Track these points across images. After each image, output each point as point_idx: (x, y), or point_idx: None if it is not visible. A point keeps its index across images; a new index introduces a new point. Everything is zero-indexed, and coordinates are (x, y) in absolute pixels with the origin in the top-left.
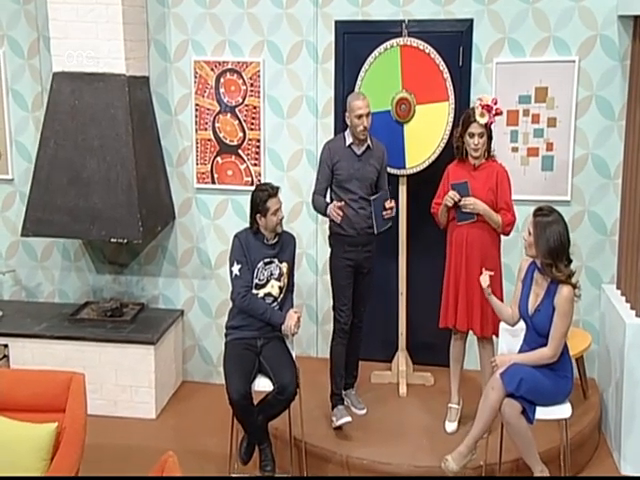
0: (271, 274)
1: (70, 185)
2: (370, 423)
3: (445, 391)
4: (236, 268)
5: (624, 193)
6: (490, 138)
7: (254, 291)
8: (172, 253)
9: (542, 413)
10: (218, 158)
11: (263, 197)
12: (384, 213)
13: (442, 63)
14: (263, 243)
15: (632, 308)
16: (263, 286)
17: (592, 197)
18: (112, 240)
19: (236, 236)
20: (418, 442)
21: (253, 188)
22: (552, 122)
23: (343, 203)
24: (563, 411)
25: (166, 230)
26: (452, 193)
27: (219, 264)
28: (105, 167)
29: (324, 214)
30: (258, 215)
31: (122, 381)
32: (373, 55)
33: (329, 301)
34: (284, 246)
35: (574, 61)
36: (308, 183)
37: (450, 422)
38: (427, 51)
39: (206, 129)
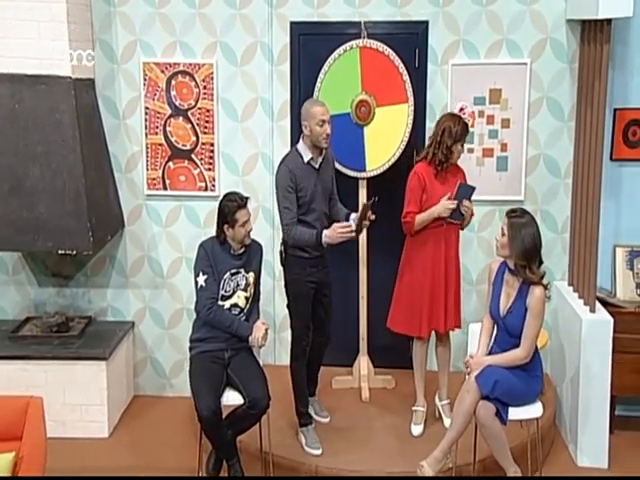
0: (237, 285)
1: (11, 194)
2: (336, 430)
3: (407, 393)
4: (202, 279)
5: (574, 192)
6: None
7: (220, 302)
8: (121, 263)
9: (514, 413)
10: (170, 163)
11: (232, 208)
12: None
13: (401, 65)
14: (230, 253)
15: (586, 304)
16: (229, 297)
17: (544, 196)
18: (60, 252)
19: (201, 245)
20: (386, 447)
21: (205, 194)
22: (506, 123)
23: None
24: (535, 410)
25: (115, 239)
26: (450, 202)
27: (172, 273)
28: (50, 175)
29: (317, 243)
30: (226, 226)
31: (71, 400)
32: (332, 57)
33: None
34: (251, 255)
35: (526, 63)
36: (264, 187)
37: (416, 425)
38: (386, 53)
39: (157, 133)
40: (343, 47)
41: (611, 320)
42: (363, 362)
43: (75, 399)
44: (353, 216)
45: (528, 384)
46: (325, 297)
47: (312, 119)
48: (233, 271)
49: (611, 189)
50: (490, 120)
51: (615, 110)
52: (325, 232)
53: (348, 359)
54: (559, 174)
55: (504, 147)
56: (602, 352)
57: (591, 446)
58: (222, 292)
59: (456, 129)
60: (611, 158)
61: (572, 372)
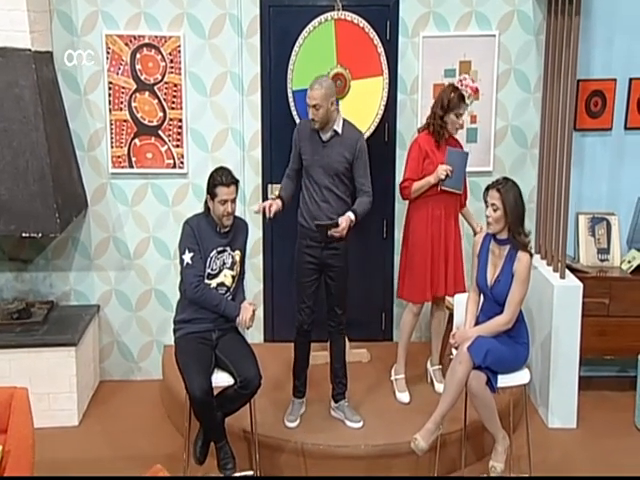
0: (224, 263)
1: None
2: (319, 407)
3: (382, 366)
4: (188, 256)
5: (541, 162)
6: None
7: (206, 281)
8: (85, 245)
9: (503, 381)
10: (136, 140)
11: (215, 181)
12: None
13: (376, 37)
14: (216, 231)
15: (555, 270)
16: (216, 276)
17: (512, 167)
18: (24, 235)
19: (187, 222)
20: (369, 421)
21: (173, 171)
22: (475, 95)
23: (276, 204)
24: (523, 377)
25: (77, 220)
26: (446, 167)
27: (139, 253)
28: (11, 154)
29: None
30: (208, 196)
31: (38, 389)
32: (307, 29)
33: (259, 285)
34: (237, 233)
35: (495, 35)
36: (234, 163)
37: (402, 392)
38: (361, 25)
39: (121, 109)
40: (318, 19)
41: (580, 285)
42: None
43: (42, 388)
44: (347, 215)
45: (516, 352)
46: (331, 280)
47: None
48: (219, 249)
49: (574, 158)
50: None
51: (578, 81)
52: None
53: (323, 335)
54: (526, 144)
55: (473, 119)
56: (572, 316)
57: (561, 407)
58: (209, 270)
59: (447, 100)
60: (574, 128)
61: (542, 337)
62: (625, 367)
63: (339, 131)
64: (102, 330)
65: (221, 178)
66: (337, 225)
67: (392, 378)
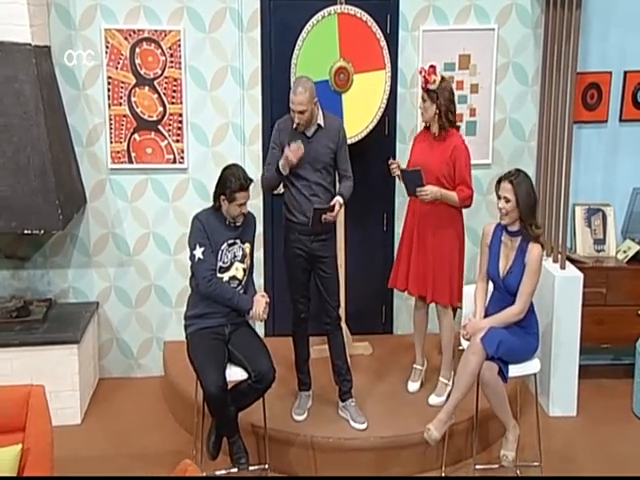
0: (234, 256)
1: None
2: (325, 400)
3: (384, 358)
4: (199, 251)
5: (539, 154)
6: (441, 107)
7: (218, 275)
8: (83, 241)
9: (514, 371)
10: (135, 135)
11: (234, 187)
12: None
13: (379, 31)
14: (225, 224)
15: (555, 261)
16: (227, 269)
17: (510, 159)
18: (26, 232)
19: (196, 217)
20: (376, 413)
21: (173, 166)
22: (475, 88)
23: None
24: (533, 366)
25: (76, 217)
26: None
27: (139, 250)
28: (12, 149)
29: (280, 179)
30: (222, 197)
31: None
32: (311, 23)
33: (260, 279)
34: (246, 226)
35: (494, 29)
36: (234, 158)
37: (413, 382)
38: (364, 19)
39: (121, 104)
40: (321, 13)
41: (581, 275)
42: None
43: (45, 386)
44: (337, 199)
45: (527, 342)
46: (322, 271)
47: (290, 101)
48: (230, 242)
49: None
50: (460, 85)
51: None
52: (283, 155)
53: (321, 328)
54: (523, 137)
55: (473, 112)
56: (573, 306)
57: (562, 396)
58: (220, 264)
59: None
60: None
61: (543, 327)
62: (619, 355)
63: (322, 124)
64: (101, 327)
65: (240, 183)
66: (332, 209)
67: (413, 366)
